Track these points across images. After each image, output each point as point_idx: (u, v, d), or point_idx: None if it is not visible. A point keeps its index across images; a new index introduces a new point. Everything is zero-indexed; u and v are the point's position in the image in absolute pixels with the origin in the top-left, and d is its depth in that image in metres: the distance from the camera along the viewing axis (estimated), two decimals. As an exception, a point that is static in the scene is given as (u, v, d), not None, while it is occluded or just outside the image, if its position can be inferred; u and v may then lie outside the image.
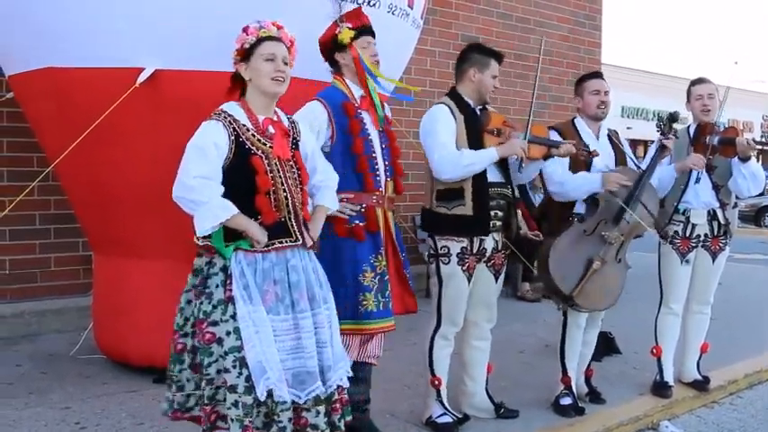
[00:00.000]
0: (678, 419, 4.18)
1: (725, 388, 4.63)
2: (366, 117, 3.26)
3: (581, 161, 3.77)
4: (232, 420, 2.47)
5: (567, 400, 3.90)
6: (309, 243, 2.69)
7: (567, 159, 3.72)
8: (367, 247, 3.19)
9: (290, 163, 2.66)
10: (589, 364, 4.14)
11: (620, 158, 3.93)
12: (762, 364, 5.06)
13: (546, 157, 3.63)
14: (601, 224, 3.72)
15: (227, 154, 2.52)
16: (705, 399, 4.44)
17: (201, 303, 2.54)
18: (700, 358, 4.44)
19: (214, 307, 2.52)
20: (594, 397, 4.09)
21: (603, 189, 3.70)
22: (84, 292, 5.34)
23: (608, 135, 3.97)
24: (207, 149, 2.51)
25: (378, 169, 3.26)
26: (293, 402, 2.54)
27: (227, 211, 2.48)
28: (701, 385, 4.42)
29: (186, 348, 2.62)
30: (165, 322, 2.72)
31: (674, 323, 4.34)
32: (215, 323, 2.51)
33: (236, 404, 2.46)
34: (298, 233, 2.63)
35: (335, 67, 3.32)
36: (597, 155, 3.67)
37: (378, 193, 3.25)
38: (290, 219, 2.62)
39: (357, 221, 3.16)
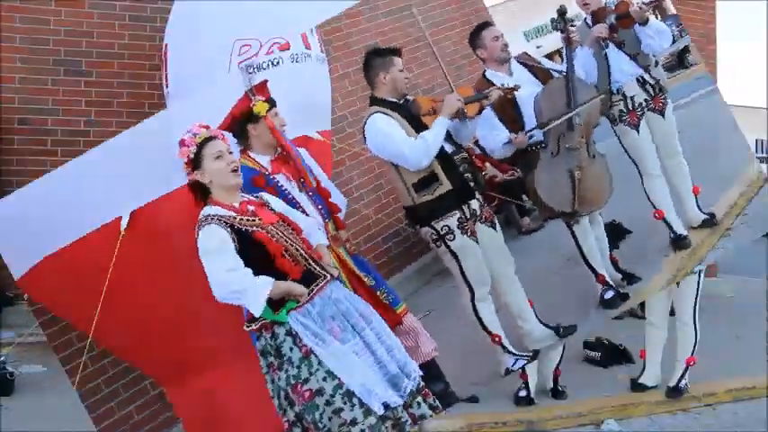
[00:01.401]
0: (629, 421, 4.58)
1: (699, 399, 4.82)
2: (281, 178, 3.52)
3: (509, 108, 4.11)
4: None
5: (523, 393, 4.50)
6: (335, 273, 3.12)
7: (497, 120, 4.10)
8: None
9: (282, 224, 3.01)
10: (558, 365, 4.67)
11: (542, 76, 4.23)
12: (749, 381, 5.12)
13: (481, 111, 3.96)
14: (561, 138, 4.07)
15: (234, 244, 2.84)
16: (671, 406, 4.73)
17: (287, 371, 2.85)
18: (686, 371, 4.73)
19: (298, 368, 2.84)
20: (555, 393, 4.68)
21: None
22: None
23: (520, 62, 4.27)
24: (220, 247, 2.84)
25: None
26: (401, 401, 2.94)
27: (269, 285, 2.81)
28: (671, 393, 4.75)
29: (291, 422, 2.94)
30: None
31: (651, 332, 4.81)
32: (306, 380, 2.83)
33: (364, 430, 2.78)
34: (323, 271, 3.02)
35: (243, 141, 3.50)
36: (518, 88, 3.97)
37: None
38: (309, 264, 2.99)
39: None
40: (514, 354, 4.02)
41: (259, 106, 3.46)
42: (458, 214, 3.78)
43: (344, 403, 2.77)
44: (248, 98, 3.53)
